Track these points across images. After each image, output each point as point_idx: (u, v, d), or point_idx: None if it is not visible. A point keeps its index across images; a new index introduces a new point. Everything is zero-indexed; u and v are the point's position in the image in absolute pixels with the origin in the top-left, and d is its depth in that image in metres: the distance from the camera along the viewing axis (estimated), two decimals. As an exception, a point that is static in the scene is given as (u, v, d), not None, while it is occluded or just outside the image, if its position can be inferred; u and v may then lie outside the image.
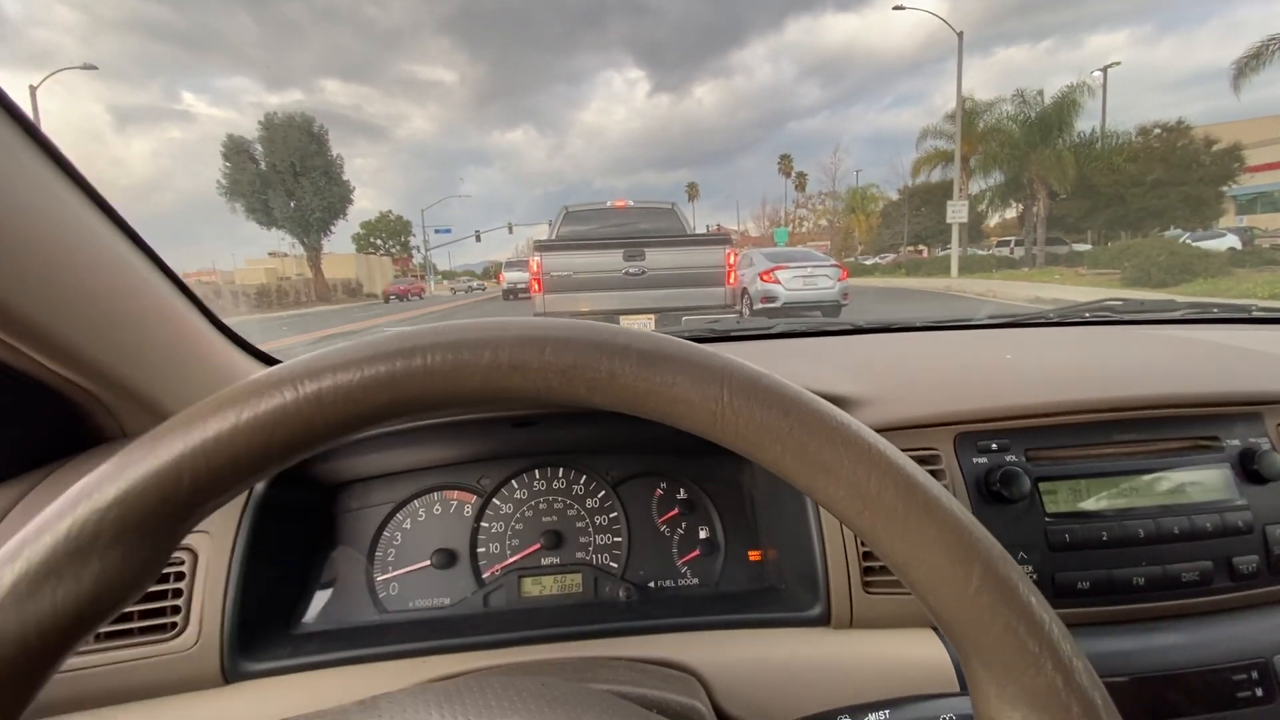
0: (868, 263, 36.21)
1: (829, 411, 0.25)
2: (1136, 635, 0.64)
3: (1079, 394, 0.70)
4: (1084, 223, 26.93)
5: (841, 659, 0.62)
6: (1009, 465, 0.66)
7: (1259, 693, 0.61)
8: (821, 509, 0.66)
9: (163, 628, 0.61)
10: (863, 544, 0.65)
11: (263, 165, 35.46)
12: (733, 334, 1.19)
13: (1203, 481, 0.68)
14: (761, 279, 10.09)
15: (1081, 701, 0.23)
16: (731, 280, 6.14)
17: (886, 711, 0.45)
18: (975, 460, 0.67)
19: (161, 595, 0.62)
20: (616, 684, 0.52)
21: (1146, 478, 0.68)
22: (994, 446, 0.68)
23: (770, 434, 0.25)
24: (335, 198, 36.71)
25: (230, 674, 0.61)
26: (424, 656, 0.64)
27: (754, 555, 0.80)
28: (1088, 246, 24.89)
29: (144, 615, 0.61)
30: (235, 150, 35.23)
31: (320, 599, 0.75)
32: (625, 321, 5.97)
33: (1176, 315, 1.27)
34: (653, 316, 5.93)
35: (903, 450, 0.71)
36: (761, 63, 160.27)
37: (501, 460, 0.83)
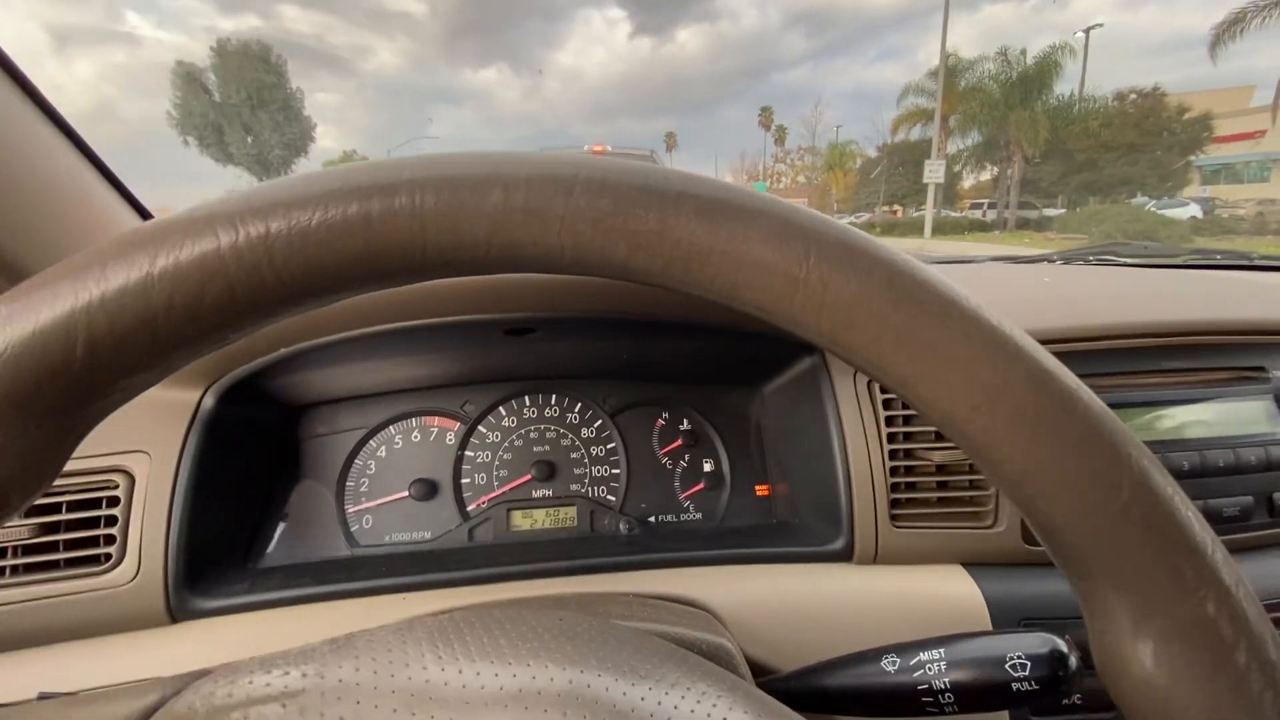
0: (843, 221, 36.12)
1: (945, 284, 0.20)
2: None
3: (1130, 316, 0.64)
4: (1056, 187, 27.23)
5: (869, 596, 0.57)
6: None
7: None
8: (847, 434, 0.60)
9: (95, 559, 0.53)
10: (894, 470, 0.59)
11: (216, 96, 33.39)
12: None
13: (1247, 413, 0.64)
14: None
15: (1250, 642, 0.18)
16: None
17: (940, 649, 0.40)
18: None
19: (92, 523, 0.53)
20: (636, 620, 0.46)
21: (1191, 408, 0.63)
22: None
23: (868, 308, 0.19)
24: (296, 134, 34.94)
25: (178, 612, 0.53)
26: (401, 593, 0.57)
27: (762, 490, 0.74)
28: (1058, 211, 25.24)
29: (70, 545, 0.52)
30: (186, 79, 33.06)
31: (284, 532, 0.67)
32: None
33: (1180, 260, 1.23)
34: None
35: None
36: (747, 7, 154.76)
37: (488, 384, 0.74)
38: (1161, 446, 0.62)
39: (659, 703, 0.24)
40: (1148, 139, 23.95)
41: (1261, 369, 0.66)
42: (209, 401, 0.59)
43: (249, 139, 33.96)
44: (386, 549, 0.68)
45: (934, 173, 19.83)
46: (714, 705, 0.24)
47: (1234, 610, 0.19)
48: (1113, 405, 0.66)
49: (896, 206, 38.39)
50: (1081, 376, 0.63)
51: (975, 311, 0.19)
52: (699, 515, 0.74)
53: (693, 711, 0.24)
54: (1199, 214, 21.03)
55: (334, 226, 0.18)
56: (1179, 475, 0.61)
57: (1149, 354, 0.64)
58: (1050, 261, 1.21)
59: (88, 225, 0.57)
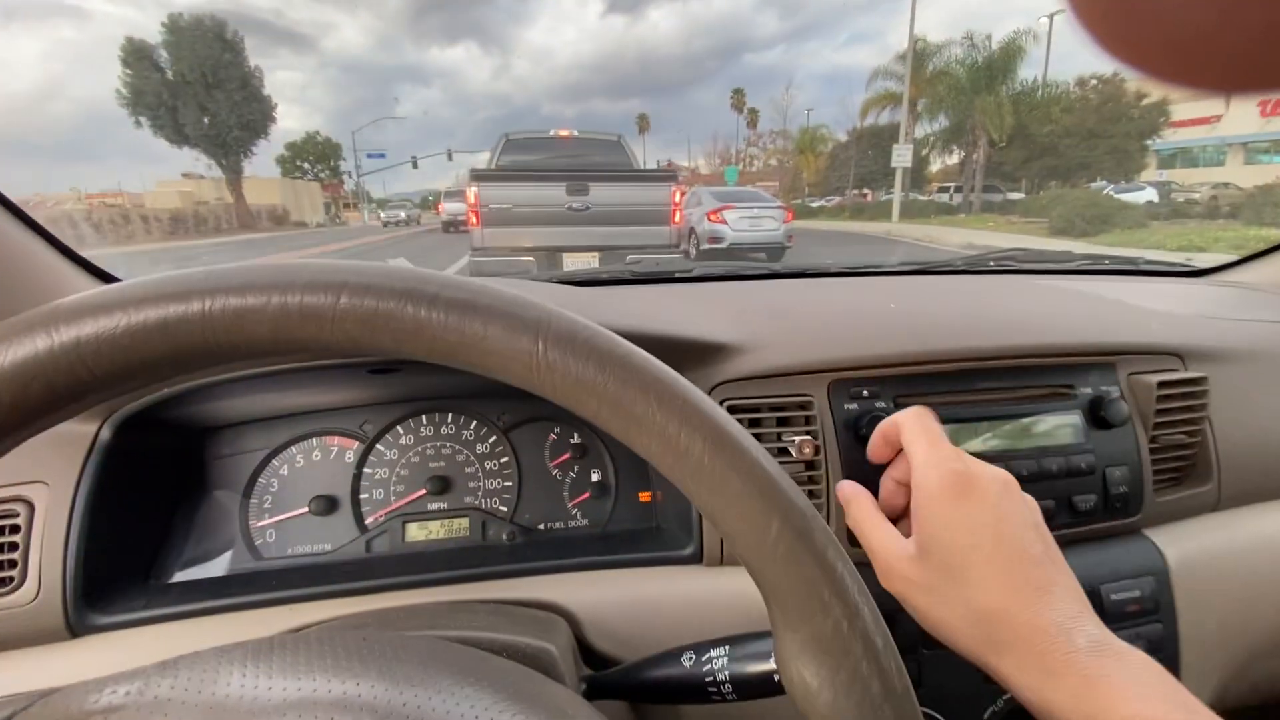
0: (814, 205, 36.49)
1: (643, 364, 0.25)
2: None
3: (943, 344, 0.72)
4: (1020, 171, 27.78)
5: (707, 595, 0.65)
6: (877, 411, 0.68)
7: None
8: None
9: (0, 582, 0.58)
10: None
11: (169, 74, 32.00)
12: (648, 277, 1.17)
13: (1056, 427, 0.73)
14: (709, 219, 10.05)
15: (864, 643, 0.24)
16: (677, 219, 6.07)
17: (726, 647, 0.47)
18: (847, 406, 0.69)
19: None
20: (469, 629, 0.53)
21: (1005, 424, 0.72)
22: (865, 393, 0.70)
23: (586, 388, 0.24)
24: (255, 114, 33.73)
25: (77, 628, 0.58)
26: (295, 604, 0.63)
27: (644, 497, 0.81)
28: (1021, 195, 25.78)
29: None
30: (136, 55, 31.60)
31: (189, 548, 0.72)
32: (568, 260, 5.85)
33: (1072, 266, 1.32)
34: (596, 255, 5.83)
35: (778, 396, 0.72)
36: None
37: (386, 405, 0.80)
38: (980, 458, 0.70)
39: (419, 706, 0.29)
40: (1107, 124, 24.55)
41: (1070, 387, 0.74)
42: (105, 434, 0.63)
43: (205, 119, 32.69)
44: (287, 561, 0.73)
45: (902, 157, 20.08)
46: (471, 706, 0.29)
47: (852, 619, 0.24)
48: (944, 421, 0.75)
49: (866, 190, 38.78)
50: (907, 395, 0.72)
51: (667, 387, 0.25)
52: (585, 522, 0.80)
53: (449, 712, 0.28)
54: (1155, 198, 21.68)
55: (136, 332, 0.22)
56: None
57: (968, 375, 0.73)
58: (955, 269, 1.29)
59: (30, 295, 0.61)
